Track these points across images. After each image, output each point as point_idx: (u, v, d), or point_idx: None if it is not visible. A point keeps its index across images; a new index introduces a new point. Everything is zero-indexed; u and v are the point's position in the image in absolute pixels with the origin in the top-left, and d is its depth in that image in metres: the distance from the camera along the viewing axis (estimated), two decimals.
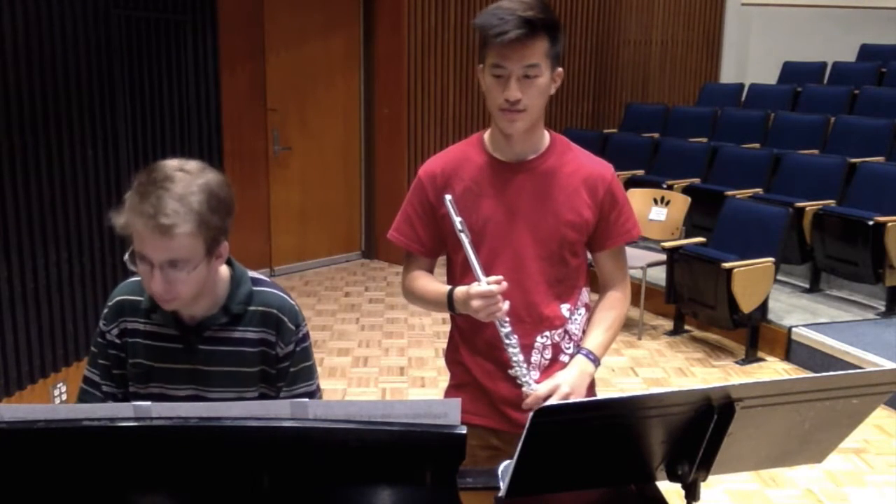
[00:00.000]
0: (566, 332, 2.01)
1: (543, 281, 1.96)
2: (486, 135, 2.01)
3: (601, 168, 2.00)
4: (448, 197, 1.90)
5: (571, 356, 2.00)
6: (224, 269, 1.78)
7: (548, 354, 2.00)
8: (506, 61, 1.82)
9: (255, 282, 1.81)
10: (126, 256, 1.65)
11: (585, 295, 2.07)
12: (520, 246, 1.95)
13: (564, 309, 2.00)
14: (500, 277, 1.84)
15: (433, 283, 2.03)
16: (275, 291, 1.81)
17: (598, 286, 2.08)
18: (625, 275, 2.07)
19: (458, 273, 2.00)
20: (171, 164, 1.63)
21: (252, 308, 1.77)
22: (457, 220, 1.87)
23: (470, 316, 1.89)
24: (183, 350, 1.76)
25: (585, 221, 1.96)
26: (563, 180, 1.96)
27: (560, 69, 1.91)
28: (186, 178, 1.60)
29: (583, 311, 2.05)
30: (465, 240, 1.86)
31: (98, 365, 1.82)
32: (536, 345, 1.98)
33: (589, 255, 2.06)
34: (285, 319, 1.78)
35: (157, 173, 1.61)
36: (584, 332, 2.04)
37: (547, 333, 1.99)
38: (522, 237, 1.95)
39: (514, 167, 1.96)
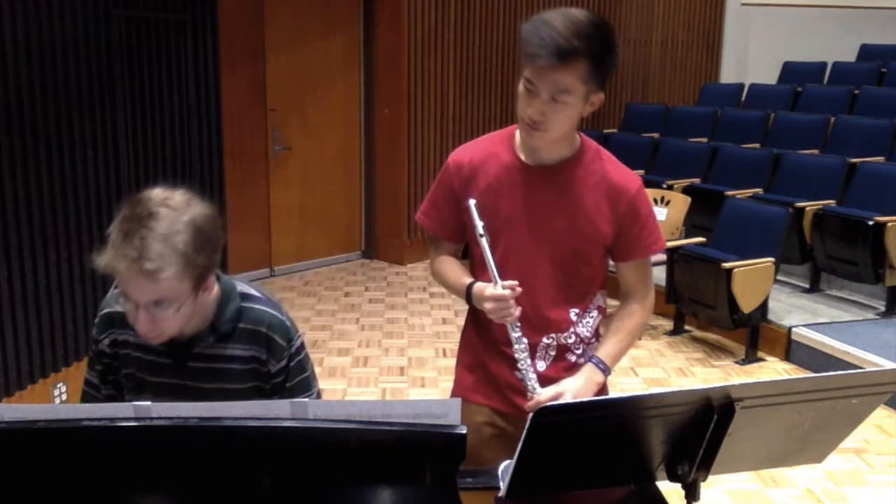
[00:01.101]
0: (575, 334, 2.02)
1: (551, 285, 1.97)
2: (518, 133, 1.99)
3: (626, 181, 1.97)
4: (472, 201, 1.90)
5: (579, 356, 2.01)
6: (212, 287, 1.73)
7: (552, 352, 2.02)
8: (537, 80, 1.80)
9: (245, 297, 1.76)
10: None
11: (600, 298, 2.06)
12: (532, 250, 1.95)
13: (572, 313, 2.01)
14: (516, 283, 1.85)
15: (456, 272, 2.05)
16: (264, 308, 1.76)
17: (620, 294, 2.07)
18: (648, 288, 2.05)
19: (478, 265, 2.02)
20: (156, 197, 1.57)
21: (241, 325, 1.73)
22: (479, 224, 1.87)
23: None
24: (172, 366, 1.74)
25: (602, 234, 1.95)
26: (585, 191, 1.94)
27: (601, 94, 1.85)
28: (171, 214, 1.54)
29: (595, 313, 2.04)
30: (484, 244, 1.87)
31: (95, 369, 1.82)
32: (541, 344, 2.01)
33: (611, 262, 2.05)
34: (275, 337, 1.75)
35: (140, 208, 1.55)
36: (595, 332, 2.05)
37: (553, 335, 2.00)
38: (536, 242, 1.95)
39: (538, 172, 1.95)
